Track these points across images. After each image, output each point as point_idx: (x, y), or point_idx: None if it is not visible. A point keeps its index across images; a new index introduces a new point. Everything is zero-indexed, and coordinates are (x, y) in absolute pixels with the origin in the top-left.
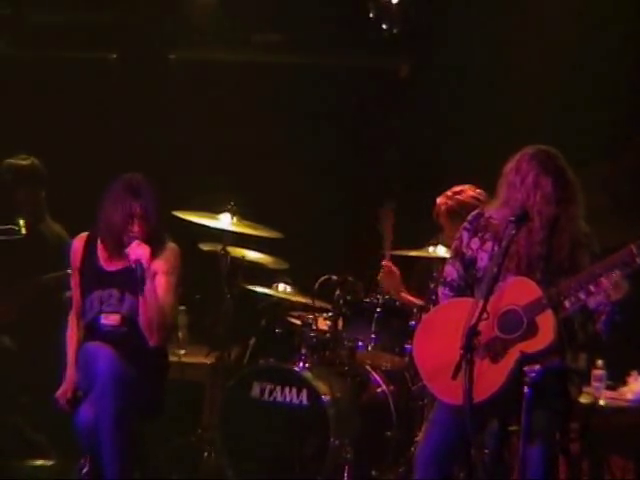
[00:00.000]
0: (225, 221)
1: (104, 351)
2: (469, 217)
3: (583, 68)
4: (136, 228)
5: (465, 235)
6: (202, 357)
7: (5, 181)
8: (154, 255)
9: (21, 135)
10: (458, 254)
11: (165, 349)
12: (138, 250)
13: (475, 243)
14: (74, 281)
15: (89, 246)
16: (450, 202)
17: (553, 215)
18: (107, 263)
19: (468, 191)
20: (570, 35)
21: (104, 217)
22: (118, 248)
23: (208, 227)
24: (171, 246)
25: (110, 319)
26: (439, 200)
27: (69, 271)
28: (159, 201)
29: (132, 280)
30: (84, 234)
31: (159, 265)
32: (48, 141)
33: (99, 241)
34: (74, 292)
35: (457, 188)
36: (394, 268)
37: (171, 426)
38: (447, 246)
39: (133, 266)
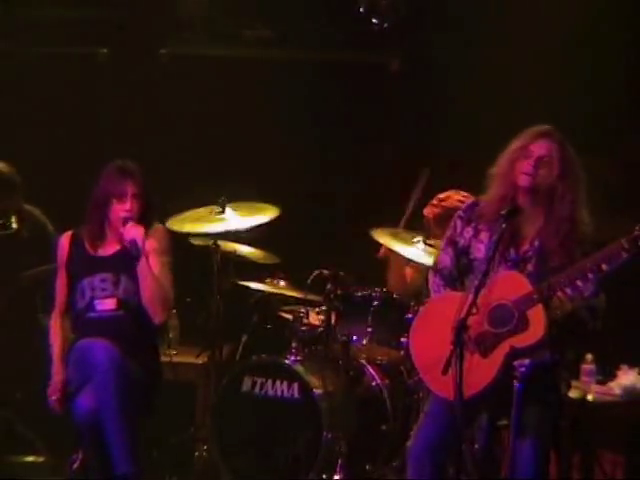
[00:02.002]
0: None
1: (101, 343)
2: (463, 206)
3: (576, 62)
4: (129, 206)
5: (459, 223)
6: (193, 357)
7: None
8: (145, 235)
9: (8, 131)
10: (451, 242)
11: (157, 352)
12: (133, 230)
13: (468, 232)
14: (60, 278)
15: (75, 241)
16: (437, 210)
17: (530, 172)
18: (95, 250)
19: (453, 196)
20: (562, 29)
21: (95, 196)
22: (102, 231)
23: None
24: (160, 227)
25: (106, 304)
26: (426, 211)
27: (52, 266)
28: (149, 185)
29: (127, 262)
30: (69, 232)
31: (150, 245)
32: (37, 137)
33: (85, 233)
34: (59, 290)
35: (442, 195)
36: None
37: (164, 425)
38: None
39: (128, 246)
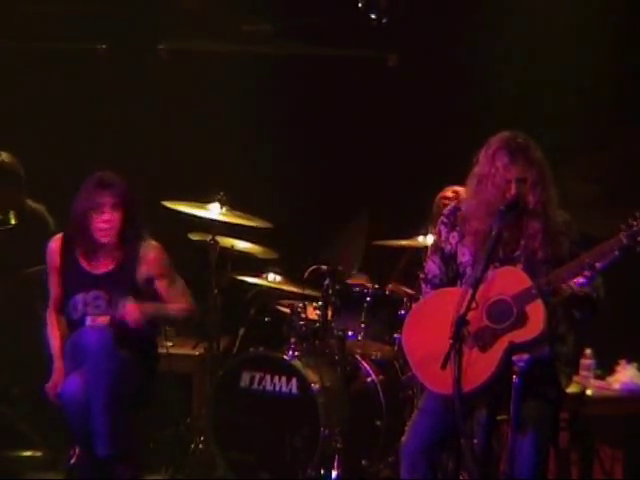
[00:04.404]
0: (214, 211)
1: (94, 329)
2: (445, 211)
3: (573, 56)
4: (107, 216)
5: (443, 230)
6: (190, 349)
7: None
8: (135, 253)
9: (7, 128)
10: (437, 249)
11: (154, 341)
12: (131, 314)
13: (454, 237)
14: (53, 280)
15: (67, 246)
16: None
17: (514, 194)
18: (90, 266)
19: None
20: (559, 24)
21: (75, 212)
22: (91, 245)
23: (197, 217)
24: (153, 245)
25: (98, 321)
26: (442, 194)
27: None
28: (134, 196)
29: (121, 282)
30: (59, 235)
31: (152, 270)
32: (36, 133)
33: (77, 247)
34: (52, 290)
35: (454, 189)
36: None
37: (160, 416)
38: None
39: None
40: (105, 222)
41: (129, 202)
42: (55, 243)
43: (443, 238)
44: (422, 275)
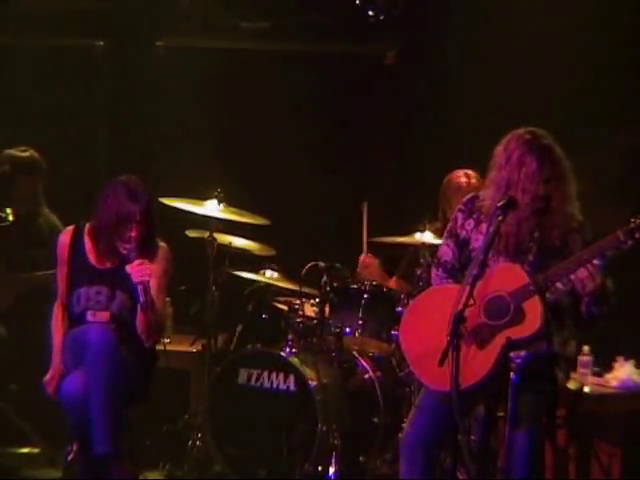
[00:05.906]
0: (212, 208)
1: (96, 325)
2: (464, 199)
3: (574, 53)
4: (134, 233)
5: (460, 216)
6: (187, 345)
7: (3, 172)
8: (147, 259)
9: (4, 125)
10: (452, 235)
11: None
12: (141, 270)
13: (470, 224)
14: (60, 274)
15: (76, 240)
16: (474, 180)
17: (542, 194)
18: (97, 261)
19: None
20: (562, 20)
21: (101, 219)
22: (110, 249)
23: (195, 214)
24: (163, 247)
25: (98, 317)
26: (463, 179)
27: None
28: (154, 204)
29: (124, 277)
30: (70, 227)
31: (152, 268)
32: (32, 129)
33: (86, 236)
34: (60, 284)
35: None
36: (371, 260)
37: (158, 413)
38: (435, 232)
39: (136, 285)
40: (131, 238)
41: (152, 214)
42: (65, 236)
43: (459, 224)
44: (434, 259)
